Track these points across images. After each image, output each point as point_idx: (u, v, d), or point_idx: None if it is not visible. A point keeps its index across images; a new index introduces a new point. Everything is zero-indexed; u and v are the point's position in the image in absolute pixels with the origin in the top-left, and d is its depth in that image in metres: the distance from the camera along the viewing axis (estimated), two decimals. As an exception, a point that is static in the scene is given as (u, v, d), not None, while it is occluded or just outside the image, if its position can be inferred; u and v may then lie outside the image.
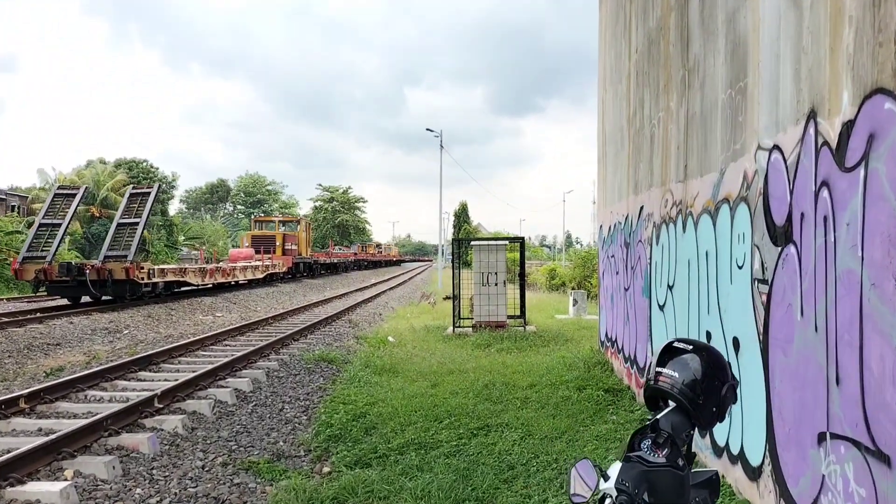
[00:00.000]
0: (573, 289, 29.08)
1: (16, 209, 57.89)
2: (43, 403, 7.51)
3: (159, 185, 19.96)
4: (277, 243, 35.30)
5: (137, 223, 18.49)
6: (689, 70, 6.64)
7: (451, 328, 15.26)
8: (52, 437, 5.59)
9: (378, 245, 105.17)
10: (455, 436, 6.99)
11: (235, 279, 26.94)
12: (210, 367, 9.33)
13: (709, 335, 5.88)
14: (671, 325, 7.06)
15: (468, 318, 16.25)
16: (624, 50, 9.88)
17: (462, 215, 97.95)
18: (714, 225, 5.79)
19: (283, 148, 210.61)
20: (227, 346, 12.57)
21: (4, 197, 56.97)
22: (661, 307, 7.46)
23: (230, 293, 25.78)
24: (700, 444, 5.97)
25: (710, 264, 5.86)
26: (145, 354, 10.52)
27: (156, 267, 19.60)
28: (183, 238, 77.14)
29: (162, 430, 6.68)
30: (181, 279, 21.14)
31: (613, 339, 10.81)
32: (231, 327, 14.69)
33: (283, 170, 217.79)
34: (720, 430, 5.57)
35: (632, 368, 9.16)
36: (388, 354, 12.25)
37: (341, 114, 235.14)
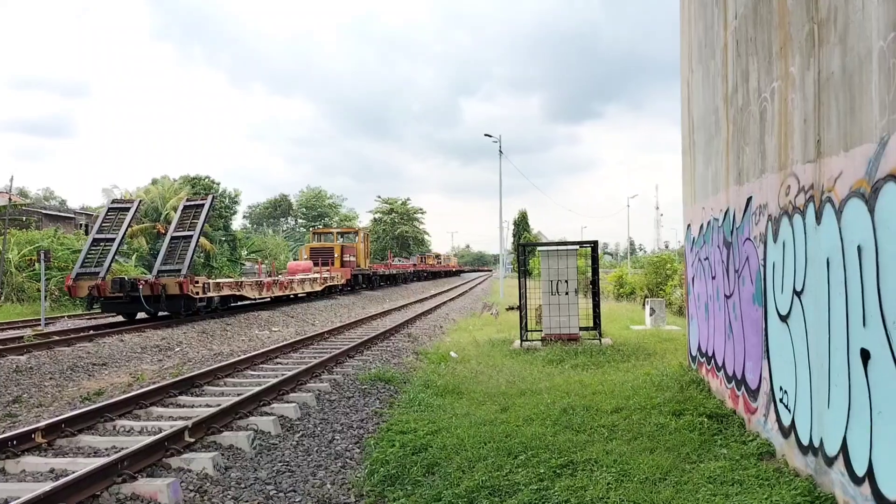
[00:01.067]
0: (645, 297, 27.44)
1: (84, 227, 59.35)
2: (64, 437, 6.63)
3: (213, 197, 19.42)
4: (336, 255, 34.68)
5: (191, 236, 17.93)
6: (820, 23, 5.31)
7: (519, 342, 14.03)
8: (49, 487, 4.62)
9: (437, 256, 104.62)
10: (535, 476, 5.78)
11: (293, 292, 26.31)
12: (256, 389, 8.37)
13: (866, 354, 4.53)
14: (800, 339, 5.70)
15: (536, 331, 14.99)
16: (717, 18, 8.53)
17: (522, 223, 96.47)
18: (871, 211, 4.45)
19: (342, 162, 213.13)
20: (277, 364, 11.66)
21: (73, 216, 58.44)
22: (784, 318, 6.09)
23: (288, 307, 25.14)
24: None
25: (867, 262, 4.51)
26: (188, 376, 9.65)
27: (211, 281, 19.01)
28: (245, 252, 78.12)
29: (189, 471, 5.68)
30: (237, 293, 20.53)
31: (709, 355, 9.41)
32: (284, 343, 13.82)
33: (343, 184, 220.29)
34: None
35: (738, 390, 7.77)
36: (450, 372, 11.11)
37: (398, 127, 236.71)
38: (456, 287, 51.00)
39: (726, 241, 8.29)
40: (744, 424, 7.44)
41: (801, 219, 5.69)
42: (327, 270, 31.35)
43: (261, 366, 11.37)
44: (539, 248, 14.41)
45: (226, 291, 19.74)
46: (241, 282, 20.79)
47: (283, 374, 10.03)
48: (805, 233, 5.60)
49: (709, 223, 9.32)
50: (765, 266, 6.69)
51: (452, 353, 13.27)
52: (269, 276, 29.42)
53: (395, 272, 49.58)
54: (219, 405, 7.76)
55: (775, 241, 6.36)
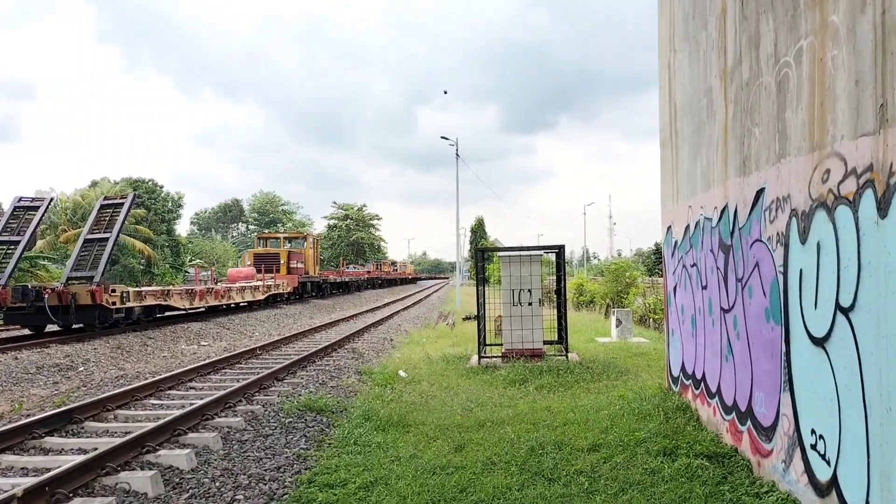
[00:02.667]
0: (607, 306, 26.26)
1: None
2: None
3: (134, 195, 17.45)
4: (282, 261, 32.72)
5: (107, 239, 15.94)
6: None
7: (476, 358, 12.50)
8: None
9: (393, 263, 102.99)
10: (498, 559, 4.24)
11: (231, 302, 24.34)
12: (149, 427, 6.66)
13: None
14: (847, 371, 4.29)
15: (496, 345, 13.50)
16: (713, -21, 7.17)
17: (479, 230, 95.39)
18: None
19: (297, 170, 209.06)
20: (189, 390, 9.91)
21: None
22: (820, 341, 4.68)
23: (225, 317, 23.19)
24: None
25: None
26: (69, 408, 7.83)
27: (131, 289, 17.02)
28: (190, 259, 75.04)
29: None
30: (164, 303, 18.55)
31: (697, 378, 8.03)
32: (207, 361, 12.03)
33: (297, 191, 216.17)
34: None
35: (741, 424, 6.38)
36: (397, 397, 9.52)
37: (354, 135, 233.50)
38: (411, 295, 49.35)
39: (723, 245, 6.91)
40: (751, 468, 6.04)
41: (849, 211, 4.29)
42: (272, 278, 29.41)
43: (168, 392, 9.59)
44: (499, 254, 12.92)
45: (150, 301, 17.76)
46: (169, 290, 18.82)
47: (189, 405, 8.31)
48: (857, 230, 4.19)
49: (697, 224, 7.95)
50: (785, 274, 5.29)
51: (401, 373, 11.67)
52: (208, 283, 27.41)
53: (347, 280, 47.69)
54: (96, 449, 6.03)
55: (803, 241, 4.96)
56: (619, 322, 16.19)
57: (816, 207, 4.74)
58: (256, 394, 9.17)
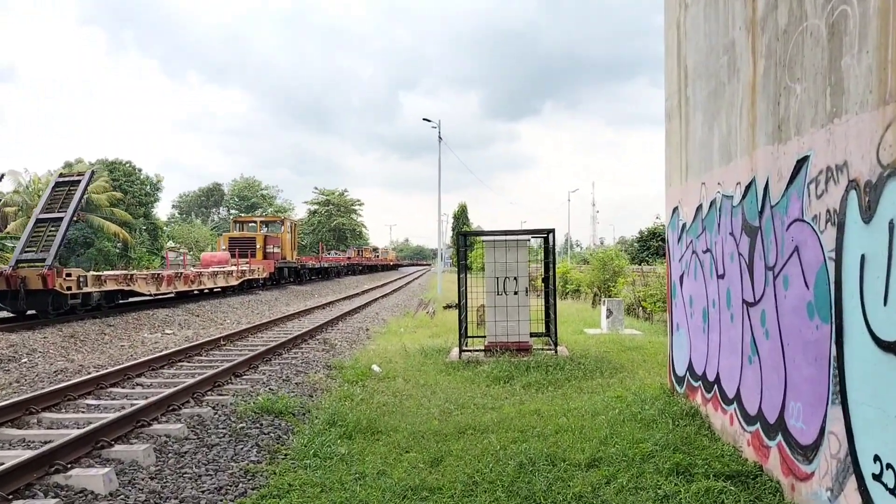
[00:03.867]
0: (595, 295, 25.38)
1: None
2: None
3: (92, 173, 16.16)
4: (258, 246, 31.49)
5: (62, 218, 14.70)
6: None
7: (457, 351, 11.47)
8: None
9: (375, 249, 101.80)
10: None
11: (203, 287, 23.14)
12: (70, 435, 5.58)
13: None
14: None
15: (478, 337, 12.50)
16: (740, -86, 6.13)
17: (461, 217, 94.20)
18: None
19: (282, 155, 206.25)
20: (135, 387, 8.81)
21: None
22: (893, 346, 3.69)
23: (196, 303, 22.00)
24: None
25: None
26: (-17, 411, 6.72)
27: (89, 274, 15.81)
28: (171, 243, 73.34)
29: None
30: (126, 288, 17.34)
31: (709, 379, 7.06)
32: (165, 352, 10.93)
33: (282, 176, 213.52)
34: None
35: (768, 439, 5.41)
36: (368, 398, 8.49)
37: (339, 120, 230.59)
38: (392, 282, 48.26)
39: (748, 226, 5.91)
40: (781, 492, 5.07)
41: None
42: (246, 263, 28.20)
43: (110, 390, 8.48)
44: (483, 238, 11.87)
45: (110, 286, 16.55)
46: (132, 275, 17.61)
47: (132, 405, 7.23)
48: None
49: (713, 203, 6.95)
50: (838, 261, 4.29)
51: (375, 367, 10.63)
52: (183, 268, 26.23)
53: (326, 265, 46.49)
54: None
55: (867, 220, 3.95)
56: (609, 312, 15.25)
57: (889, 176, 3.74)
58: (209, 393, 8.07)
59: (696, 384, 7.59)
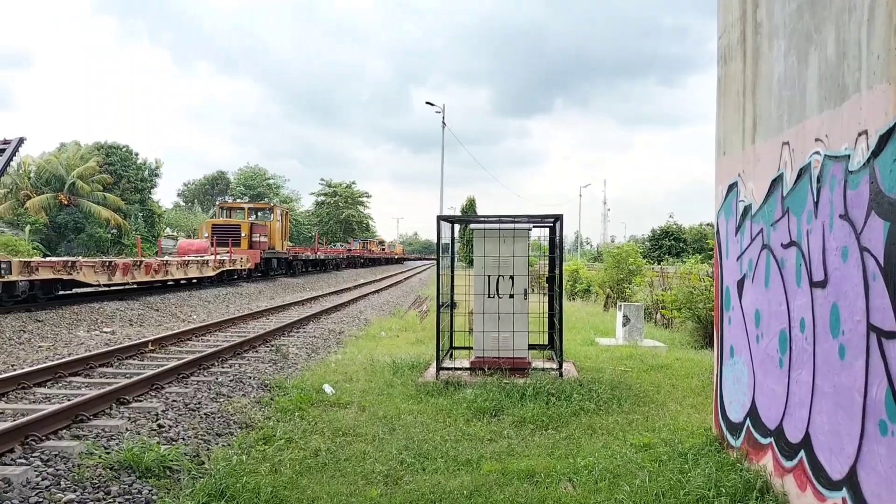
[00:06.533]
0: (607, 297, 22.92)
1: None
2: None
3: (21, 139, 13.81)
4: (243, 234, 29.12)
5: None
6: None
7: (434, 369, 9.02)
8: None
9: (381, 242, 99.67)
10: None
11: (171, 278, 20.82)
12: None
13: None
14: None
15: (465, 348, 10.10)
16: None
17: (470, 211, 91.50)
18: None
19: (290, 147, 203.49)
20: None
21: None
22: None
23: (161, 296, 19.68)
24: None
25: None
26: None
27: (14, 259, 13.51)
28: (168, 230, 71.27)
29: None
30: (68, 277, 15.01)
31: (792, 441, 4.63)
32: (52, 363, 8.56)
33: (289, 167, 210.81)
34: None
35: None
36: (297, 439, 6.11)
37: (348, 113, 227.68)
38: (392, 276, 45.88)
39: (883, 204, 3.47)
40: None
41: None
42: (227, 252, 25.87)
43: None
44: (472, 225, 9.43)
45: (45, 274, 14.22)
46: (75, 262, 15.28)
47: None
48: None
49: (803, 171, 4.51)
50: None
51: (327, 388, 8.24)
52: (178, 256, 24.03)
53: (323, 257, 44.15)
54: None
55: None
56: (626, 320, 12.80)
57: None
58: (61, 431, 5.68)
59: (764, 441, 5.16)
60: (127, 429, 5.86)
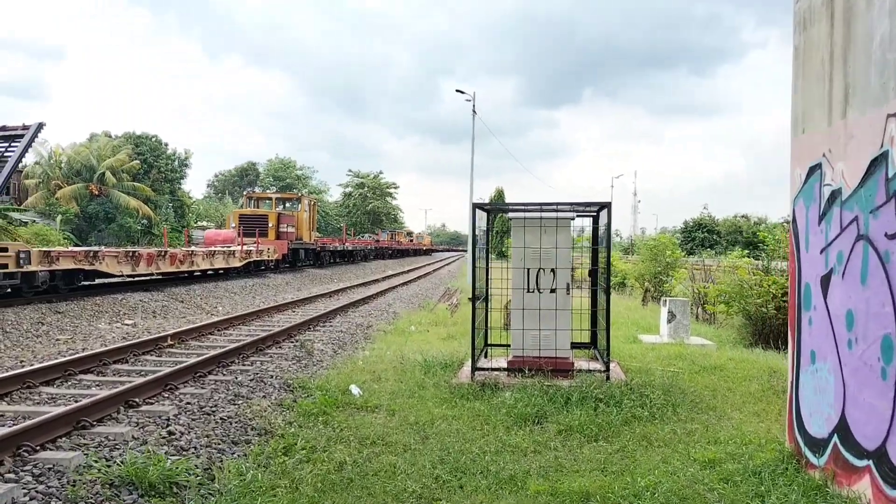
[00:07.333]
0: (646, 291, 22.11)
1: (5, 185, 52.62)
2: None
3: (40, 125, 13.39)
4: (270, 224, 28.74)
5: (-7, 181, 11.98)
6: None
7: (469, 368, 8.37)
8: None
9: (409, 233, 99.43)
10: None
11: (197, 268, 20.45)
12: None
13: None
14: None
15: (502, 345, 9.44)
16: None
17: (498, 202, 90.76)
18: None
19: (319, 138, 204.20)
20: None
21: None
22: None
23: (186, 287, 19.31)
24: None
25: None
26: None
27: (33, 249, 13.14)
28: (203, 222, 71.43)
29: None
30: (89, 267, 14.64)
31: (901, 466, 3.90)
32: (61, 360, 8.08)
33: (318, 158, 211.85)
34: None
35: None
36: (321, 449, 5.52)
37: (376, 105, 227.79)
38: (421, 267, 45.34)
39: None
40: None
41: None
42: (253, 242, 25.48)
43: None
44: (511, 214, 8.74)
45: (65, 265, 13.83)
46: (97, 252, 14.91)
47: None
48: None
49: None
50: None
51: (354, 388, 7.65)
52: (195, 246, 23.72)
53: (351, 248, 43.76)
54: None
55: None
56: (671, 316, 12.03)
57: None
58: (59, 439, 5.13)
59: (859, 463, 4.43)
60: (133, 436, 5.31)
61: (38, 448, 4.83)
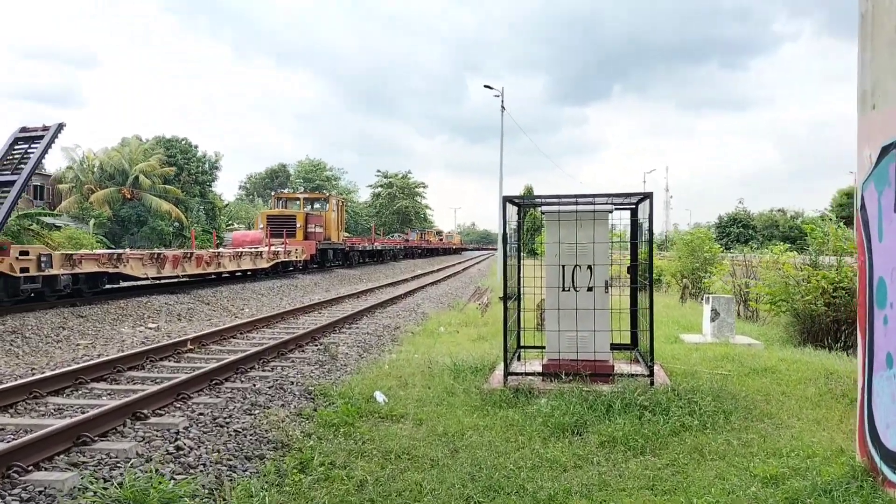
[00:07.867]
0: (684, 288, 21.38)
1: (39, 190, 53.42)
2: None
3: (60, 125, 13.17)
4: (298, 225, 28.48)
5: (13, 182, 11.77)
6: None
7: (501, 372, 7.84)
8: None
9: (439, 232, 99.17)
10: None
11: (224, 270, 20.21)
12: None
13: None
14: None
15: (535, 347, 8.90)
16: None
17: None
18: None
19: (348, 138, 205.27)
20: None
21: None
22: None
23: (213, 289, 19.07)
24: None
25: None
26: None
27: (55, 252, 12.93)
28: (227, 222, 71.83)
29: None
30: (113, 270, 14.41)
31: None
32: (77, 367, 7.75)
33: (348, 158, 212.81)
34: None
35: None
36: (342, 465, 5.06)
37: (404, 104, 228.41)
38: (450, 266, 44.88)
39: None
40: None
41: None
42: (281, 243, 25.23)
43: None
44: (544, 208, 8.18)
45: (88, 268, 13.61)
46: (121, 254, 14.69)
47: None
48: None
49: None
50: None
51: (378, 396, 7.18)
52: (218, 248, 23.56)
53: (380, 248, 43.46)
54: None
55: None
56: (715, 314, 11.37)
57: None
58: (57, 457, 4.75)
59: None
60: (137, 453, 4.89)
61: (30, 468, 4.43)
